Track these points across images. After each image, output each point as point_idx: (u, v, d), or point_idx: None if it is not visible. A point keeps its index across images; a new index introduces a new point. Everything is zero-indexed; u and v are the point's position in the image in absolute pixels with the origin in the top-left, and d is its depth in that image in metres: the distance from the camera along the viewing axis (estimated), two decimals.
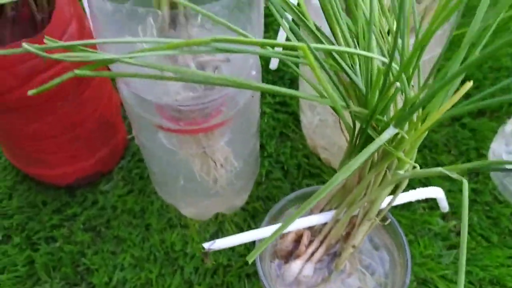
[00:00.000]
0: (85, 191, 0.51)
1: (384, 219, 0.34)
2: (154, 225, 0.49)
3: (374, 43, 0.28)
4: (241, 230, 0.49)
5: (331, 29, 0.28)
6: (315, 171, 0.53)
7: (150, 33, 0.33)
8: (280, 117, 0.57)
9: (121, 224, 0.49)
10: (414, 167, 0.29)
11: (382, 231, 0.36)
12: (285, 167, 0.53)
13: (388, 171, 0.30)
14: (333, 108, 0.28)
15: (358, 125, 0.29)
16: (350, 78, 0.27)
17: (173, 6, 0.31)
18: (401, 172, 0.29)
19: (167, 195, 0.48)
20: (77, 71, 0.24)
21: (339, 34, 0.28)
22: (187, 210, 0.50)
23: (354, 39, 0.29)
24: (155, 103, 0.33)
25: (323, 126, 0.51)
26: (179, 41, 0.22)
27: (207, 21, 0.33)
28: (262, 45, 0.26)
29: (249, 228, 0.49)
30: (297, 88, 0.58)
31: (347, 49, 0.26)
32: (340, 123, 0.30)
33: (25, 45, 0.23)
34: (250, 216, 0.50)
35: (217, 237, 0.48)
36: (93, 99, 0.44)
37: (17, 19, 0.39)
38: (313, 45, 0.23)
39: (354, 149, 0.30)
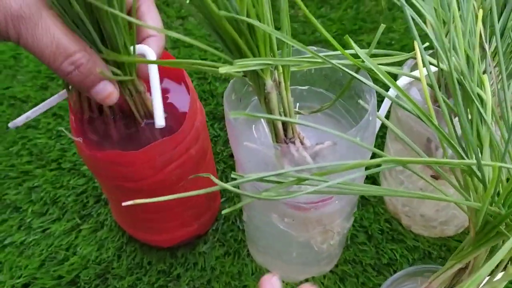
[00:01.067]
0: (185, 252, 0.56)
1: None
2: (251, 287, 0.53)
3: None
4: None
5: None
6: (398, 236, 0.56)
7: (263, 130, 0.38)
8: None
9: (221, 285, 0.53)
10: None
11: None
12: (369, 232, 0.57)
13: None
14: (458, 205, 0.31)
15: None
16: (483, 184, 0.31)
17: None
18: None
19: (265, 261, 0.53)
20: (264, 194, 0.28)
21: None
22: (280, 272, 0.54)
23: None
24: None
25: None
26: (355, 162, 0.26)
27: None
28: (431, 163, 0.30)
29: None
30: None
31: None
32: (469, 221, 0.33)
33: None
34: (339, 279, 0.54)
35: None
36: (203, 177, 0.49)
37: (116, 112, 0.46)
38: (498, 164, 0.27)
39: (479, 240, 0.33)
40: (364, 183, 0.60)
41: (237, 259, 0.56)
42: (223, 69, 0.27)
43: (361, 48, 0.81)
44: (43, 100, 0.71)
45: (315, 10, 0.83)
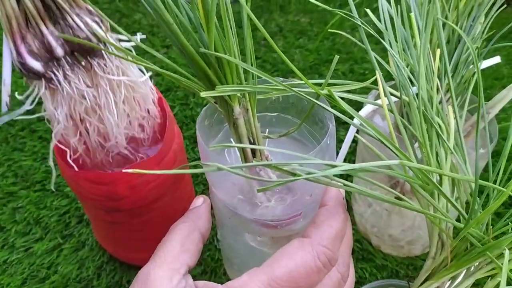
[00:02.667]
0: None
1: None
2: None
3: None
4: None
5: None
6: (368, 256, 0.59)
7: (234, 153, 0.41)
8: None
9: None
10: None
11: None
12: None
13: None
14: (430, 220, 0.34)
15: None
16: (450, 202, 0.34)
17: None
18: None
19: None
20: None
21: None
22: None
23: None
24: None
25: (375, 216, 0.57)
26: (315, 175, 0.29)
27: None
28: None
29: None
30: None
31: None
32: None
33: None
34: None
35: None
36: (181, 197, 0.52)
37: None
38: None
39: (459, 261, 0.35)
40: None
41: (214, 277, 0.58)
42: (204, 94, 0.31)
43: (336, 77, 0.86)
44: (30, 124, 0.73)
45: (293, 41, 0.88)
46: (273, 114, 0.43)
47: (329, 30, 0.47)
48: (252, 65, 0.35)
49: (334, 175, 0.32)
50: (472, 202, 0.34)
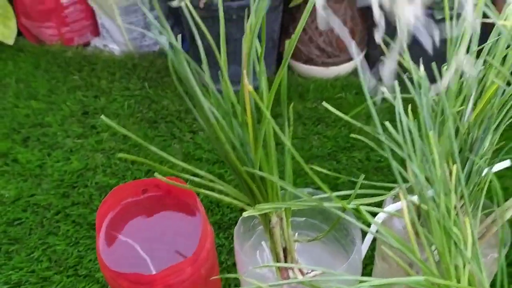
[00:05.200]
0: None
1: None
2: None
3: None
4: None
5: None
6: None
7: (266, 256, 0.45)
8: None
9: None
10: None
11: None
12: None
13: None
14: None
15: None
16: None
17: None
18: None
19: None
20: None
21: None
22: None
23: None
24: None
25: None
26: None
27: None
28: None
29: None
30: None
31: None
32: None
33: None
34: None
35: None
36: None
37: None
38: None
39: None
40: None
41: None
42: (247, 213, 0.35)
43: (353, 164, 0.89)
44: (64, 208, 0.78)
45: (312, 128, 0.93)
46: (301, 219, 0.47)
47: (346, 118, 0.52)
48: (289, 182, 0.40)
49: None
50: None
